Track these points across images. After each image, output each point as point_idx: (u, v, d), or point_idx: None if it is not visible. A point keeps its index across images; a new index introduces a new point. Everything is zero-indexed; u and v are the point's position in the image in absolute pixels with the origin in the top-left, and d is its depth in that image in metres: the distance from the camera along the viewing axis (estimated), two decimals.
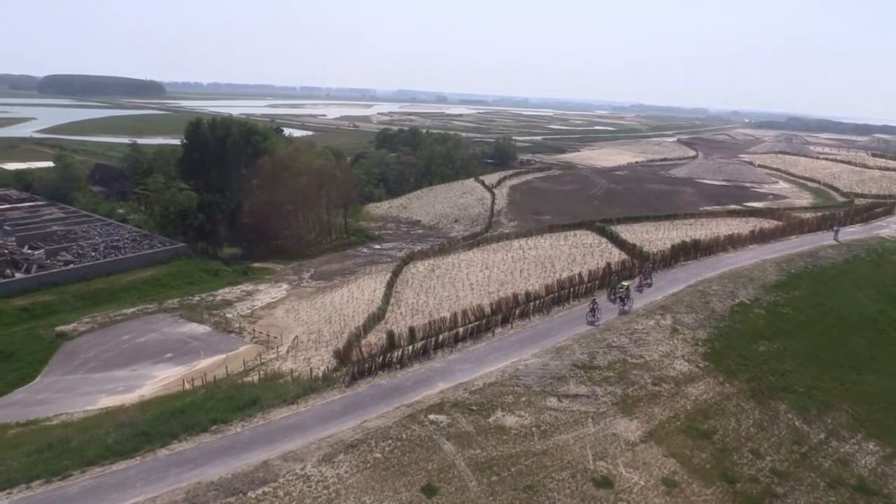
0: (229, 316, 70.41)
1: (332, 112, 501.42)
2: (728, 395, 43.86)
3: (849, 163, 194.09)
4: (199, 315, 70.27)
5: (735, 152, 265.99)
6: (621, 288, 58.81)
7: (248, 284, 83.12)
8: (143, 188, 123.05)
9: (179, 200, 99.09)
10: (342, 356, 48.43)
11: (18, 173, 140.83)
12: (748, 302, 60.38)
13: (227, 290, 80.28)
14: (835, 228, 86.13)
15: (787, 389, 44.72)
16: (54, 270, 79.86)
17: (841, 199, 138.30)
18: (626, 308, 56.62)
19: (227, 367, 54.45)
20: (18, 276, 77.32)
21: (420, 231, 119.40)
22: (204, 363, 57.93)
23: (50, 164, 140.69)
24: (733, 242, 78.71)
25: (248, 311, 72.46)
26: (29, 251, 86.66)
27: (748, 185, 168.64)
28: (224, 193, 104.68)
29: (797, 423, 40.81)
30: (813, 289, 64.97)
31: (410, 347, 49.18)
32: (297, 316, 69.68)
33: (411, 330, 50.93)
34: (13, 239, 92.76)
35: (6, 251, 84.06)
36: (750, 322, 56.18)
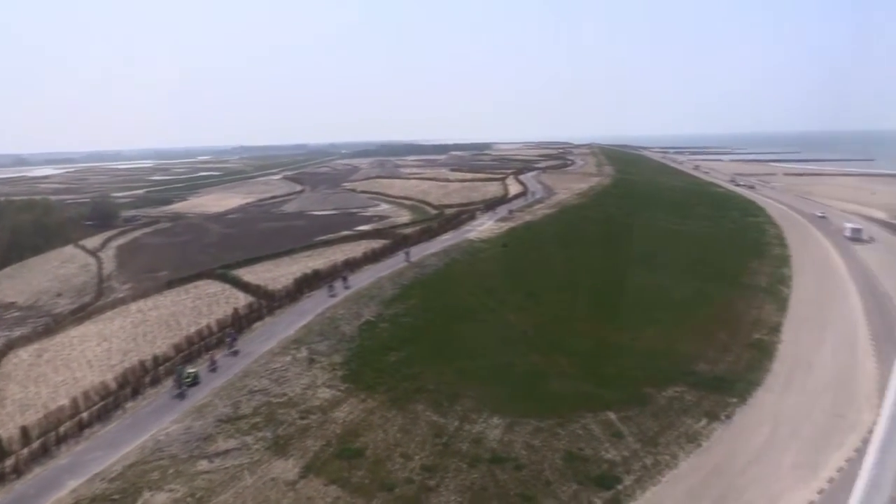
0: None
1: None
2: (371, 409, 46.34)
3: (434, 179, 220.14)
4: None
5: (338, 182, 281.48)
6: (188, 377, 50.65)
7: None
8: None
9: None
10: None
11: None
12: (373, 319, 64.68)
13: None
14: (405, 251, 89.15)
15: (420, 390, 48.93)
16: None
17: (433, 211, 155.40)
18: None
19: None
20: None
21: (17, 314, 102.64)
22: None
23: None
24: (350, 266, 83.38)
25: None
26: None
27: (355, 210, 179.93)
28: None
29: (435, 418, 44.86)
30: (424, 295, 72.44)
31: (26, 450, 42.38)
32: None
33: (23, 430, 44.01)
34: None
35: None
36: (377, 337, 60.25)
